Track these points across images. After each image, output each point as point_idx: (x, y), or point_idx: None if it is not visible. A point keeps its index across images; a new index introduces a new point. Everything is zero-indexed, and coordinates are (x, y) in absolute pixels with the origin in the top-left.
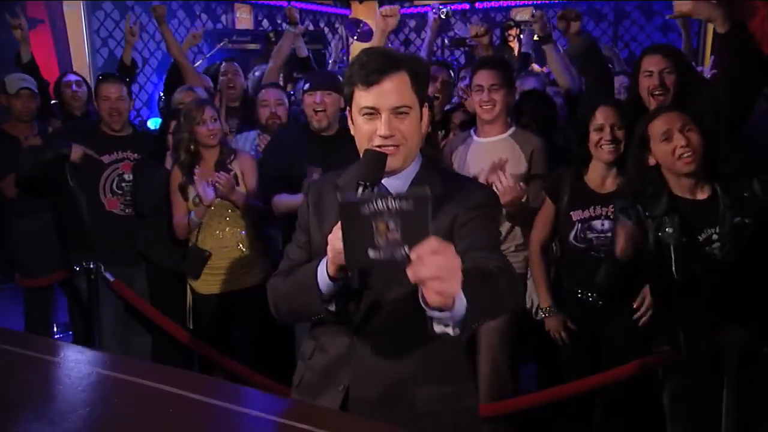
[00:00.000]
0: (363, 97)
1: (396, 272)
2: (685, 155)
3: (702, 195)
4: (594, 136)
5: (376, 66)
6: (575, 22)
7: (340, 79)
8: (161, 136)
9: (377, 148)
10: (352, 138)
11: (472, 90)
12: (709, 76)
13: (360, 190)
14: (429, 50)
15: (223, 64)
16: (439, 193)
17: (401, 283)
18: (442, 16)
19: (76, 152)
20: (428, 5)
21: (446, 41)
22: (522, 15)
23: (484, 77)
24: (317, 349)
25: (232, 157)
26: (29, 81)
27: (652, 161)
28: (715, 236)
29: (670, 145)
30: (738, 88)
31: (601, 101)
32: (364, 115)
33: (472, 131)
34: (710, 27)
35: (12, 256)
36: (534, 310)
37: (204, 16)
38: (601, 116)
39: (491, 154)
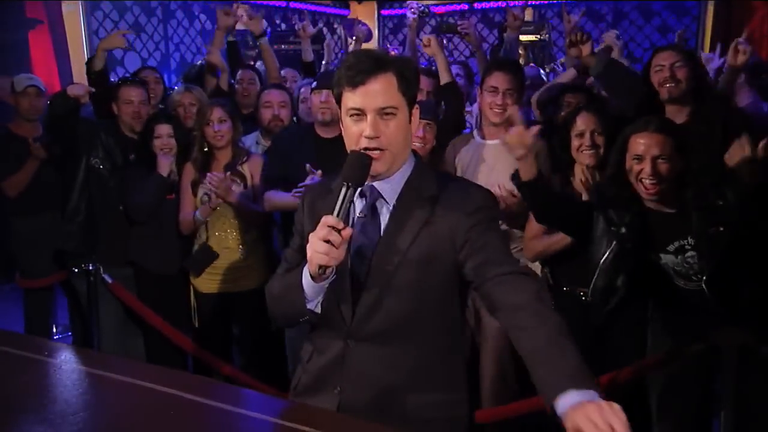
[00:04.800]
0: (350, 98)
1: (393, 277)
2: (648, 182)
3: (670, 209)
4: (575, 142)
5: (363, 67)
6: (586, 45)
7: None
8: (145, 140)
9: (363, 151)
10: None
11: (484, 90)
12: (717, 65)
13: (343, 190)
14: (412, 51)
15: (240, 71)
16: (434, 193)
17: (398, 289)
18: (420, 14)
19: (75, 90)
20: (428, 5)
21: (444, 41)
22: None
23: (500, 80)
24: (314, 352)
25: (244, 158)
26: (36, 79)
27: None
28: (688, 246)
29: (639, 167)
30: None
31: (583, 107)
32: (351, 116)
33: (475, 133)
34: (708, 28)
35: (13, 257)
36: None
37: (203, 17)
38: (582, 122)
39: (498, 157)
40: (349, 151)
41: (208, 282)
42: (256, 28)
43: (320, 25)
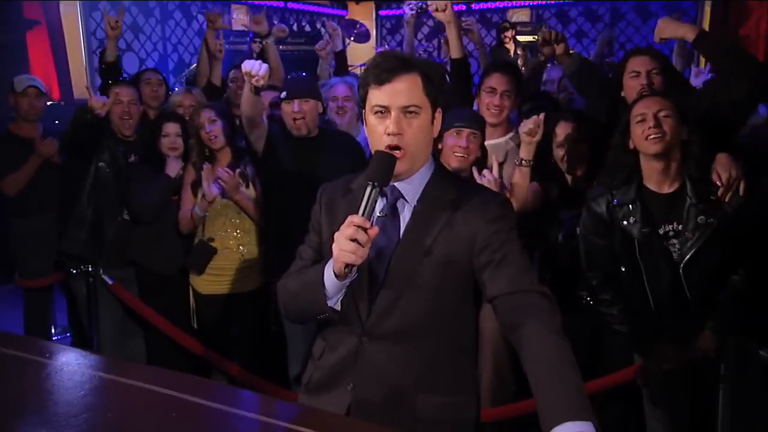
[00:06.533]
0: (375, 96)
1: (412, 277)
2: (653, 136)
3: (669, 189)
4: (558, 152)
5: (389, 66)
6: (559, 45)
7: (319, 83)
8: (152, 140)
9: (386, 149)
10: (332, 139)
11: (483, 91)
12: (705, 79)
13: (368, 189)
14: (410, 48)
15: (232, 71)
16: (454, 197)
17: (416, 288)
18: (418, 11)
19: (96, 103)
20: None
21: (442, 42)
22: (518, 16)
23: (498, 81)
24: (326, 348)
25: (246, 158)
26: (36, 80)
27: (631, 144)
28: (672, 233)
29: (642, 127)
30: (732, 80)
31: (561, 116)
32: (375, 113)
33: None
34: (705, 28)
35: (12, 257)
36: None
37: (200, 17)
38: (561, 132)
39: (496, 156)
40: (374, 150)
41: (207, 283)
42: (261, 29)
43: (319, 26)
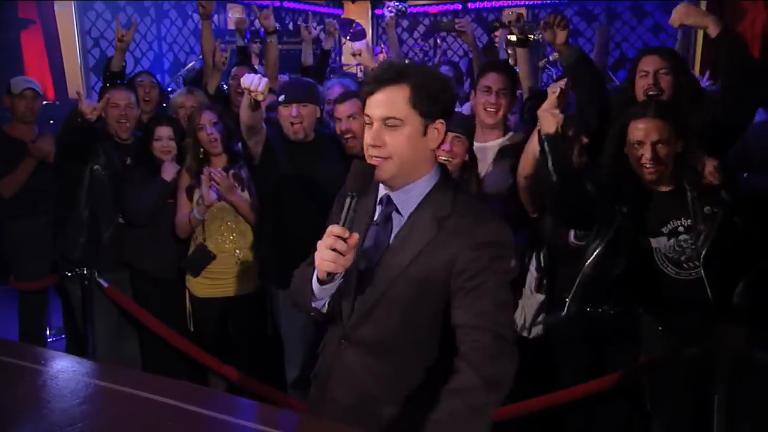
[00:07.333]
0: (366, 106)
1: (388, 290)
2: (649, 166)
3: (666, 187)
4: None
5: (379, 77)
6: (562, 32)
7: (318, 87)
8: (145, 142)
9: (368, 159)
10: (329, 144)
11: (478, 90)
12: (704, 85)
13: (348, 200)
14: (395, 50)
15: (235, 68)
16: (445, 214)
17: (390, 302)
18: (397, 12)
19: (86, 108)
20: (423, 6)
21: (438, 41)
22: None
23: (494, 80)
24: (325, 343)
25: (241, 162)
26: (33, 82)
27: (627, 150)
28: (682, 229)
29: (639, 152)
30: (737, 93)
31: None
32: (366, 123)
33: None
34: (700, 33)
35: (6, 259)
36: (526, 330)
37: (196, 16)
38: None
39: (494, 159)
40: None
41: (204, 286)
42: (269, 24)
43: (314, 24)
